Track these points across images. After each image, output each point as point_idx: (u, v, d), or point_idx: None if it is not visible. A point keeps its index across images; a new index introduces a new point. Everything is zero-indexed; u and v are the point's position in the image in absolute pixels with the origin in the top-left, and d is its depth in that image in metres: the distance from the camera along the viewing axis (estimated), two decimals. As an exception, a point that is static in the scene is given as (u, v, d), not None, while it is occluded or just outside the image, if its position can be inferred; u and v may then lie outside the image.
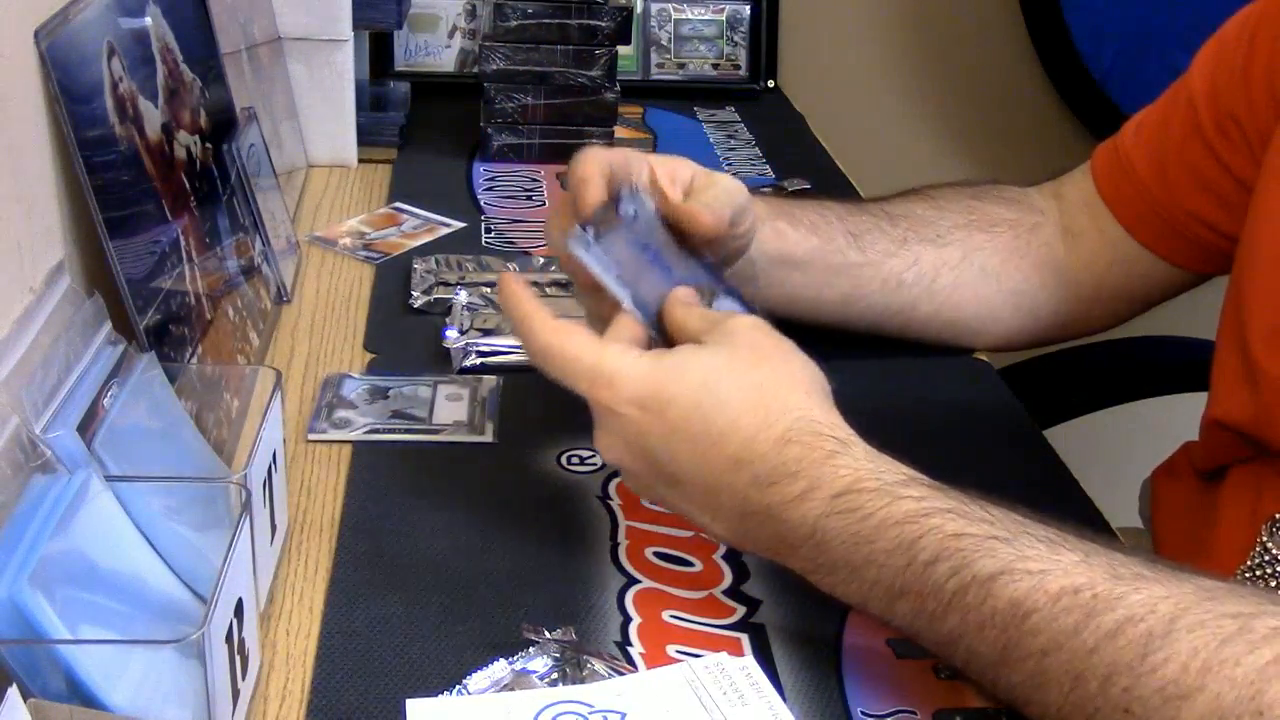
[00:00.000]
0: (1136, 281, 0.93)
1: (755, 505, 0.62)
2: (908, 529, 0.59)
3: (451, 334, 0.92)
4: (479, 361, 0.91)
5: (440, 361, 0.92)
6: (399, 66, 1.53)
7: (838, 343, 0.93)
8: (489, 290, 0.99)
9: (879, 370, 0.94)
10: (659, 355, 0.65)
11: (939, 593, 0.57)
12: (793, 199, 0.90)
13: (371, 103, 1.37)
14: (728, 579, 0.71)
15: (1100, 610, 0.54)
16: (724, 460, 0.62)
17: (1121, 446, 1.55)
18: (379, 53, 1.51)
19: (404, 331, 0.97)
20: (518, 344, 0.91)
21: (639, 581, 0.70)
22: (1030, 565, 0.56)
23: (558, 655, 0.62)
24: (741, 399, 0.63)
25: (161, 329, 0.73)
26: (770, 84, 1.63)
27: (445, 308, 0.97)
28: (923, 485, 0.61)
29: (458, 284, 1.00)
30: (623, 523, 0.76)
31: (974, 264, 0.92)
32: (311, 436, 0.82)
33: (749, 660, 0.62)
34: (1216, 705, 0.50)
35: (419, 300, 0.98)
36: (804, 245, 0.88)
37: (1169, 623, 0.53)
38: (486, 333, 0.93)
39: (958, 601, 0.57)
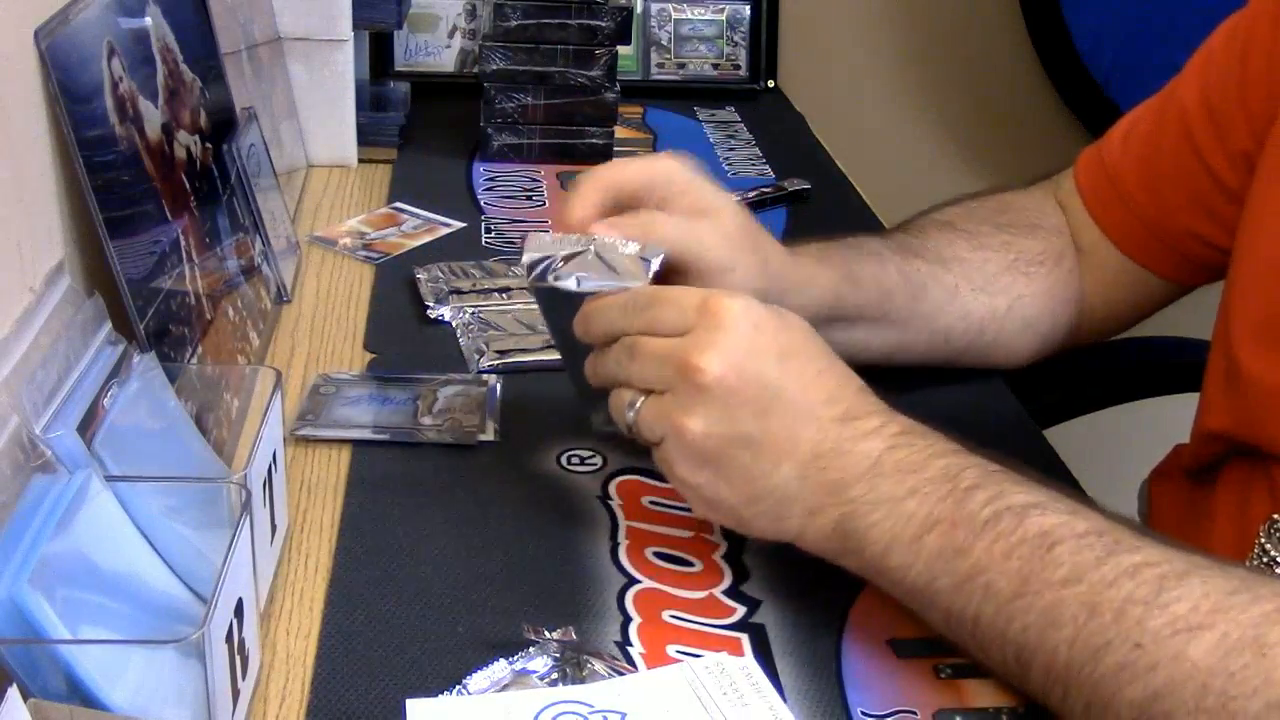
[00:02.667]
0: (1134, 294, 0.93)
1: (832, 441, 0.65)
2: (954, 460, 0.64)
3: (464, 339, 0.93)
4: (498, 363, 0.90)
5: (440, 361, 0.92)
6: (399, 66, 1.53)
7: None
8: (502, 297, 1.00)
9: (877, 370, 0.94)
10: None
11: (972, 521, 0.61)
12: (852, 250, 0.87)
13: (371, 103, 1.37)
14: (728, 579, 0.71)
15: (1122, 551, 0.58)
16: (824, 392, 0.66)
17: (1121, 447, 1.55)
18: (379, 53, 1.51)
19: (403, 331, 0.97)
20: (528, 347, 0.92)
21: (639, 581, 0.70)
22: (1061, 506, 0.61)
23: (558, 655, 0.62)
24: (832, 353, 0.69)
25: (161, 329, 0.73)
26: (770, 84, 1.63)
27: (465, 318, 0.97)
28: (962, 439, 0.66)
29: (471, 290, 1.00)
30: (623, 523, 0.76)
31: (1016, 316, 0.92)
32: (300, 432, 0.81)
33: (749, 660, 0.62)
34: (1222, 642, 0.54)
35: (437, 311, 0.98)
36: (864, 307, 0.87)
37: (1184, 570, 0.57)
38: (486, 323, 0.93)
39: (989, 529, 0.60)
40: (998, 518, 0.60)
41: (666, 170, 0.77)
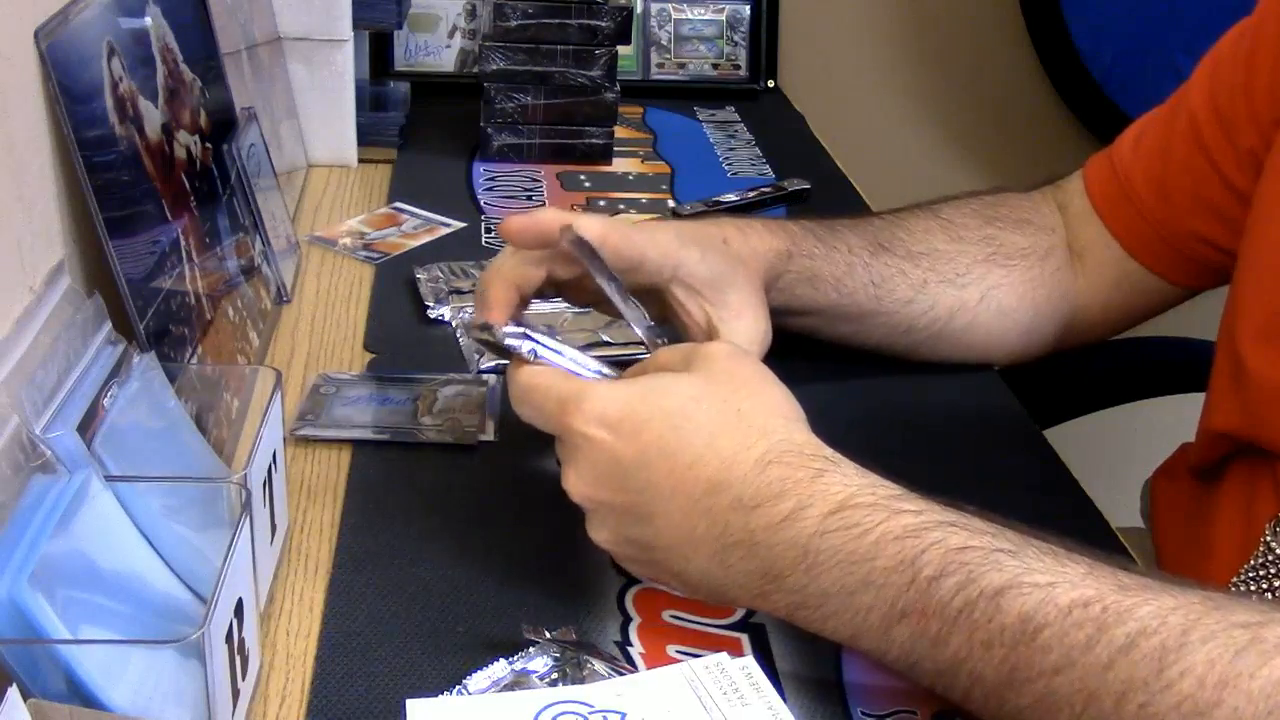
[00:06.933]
0: (1135, 298, 0.92)
1: (737, 532, 0.60)
2: (909, 544, 0.57)
3: (465, 340, 0.93)
4: (498, 363, 0.90)
5: (440, 361, 0.92)
6: (399, 66, 1.53)
7: (835, 345, 0.93)
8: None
9: (877, 372, 0.94)
10: (632, 380, 0.64)
11: (944, 610, 0.56)
12: (820, 247, 0.86)
13: (371, 103, 1.37)
14: (728, 579, 0.71)
15: (1112, 624, 0.53)
16: (702, 484, 0.60)
17: (1121, 447, 1.55)
18: (379, 53, 1.51)
19: (403, 331, 0.97)
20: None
21: (639, 581, 0.70)
22: (1038, 578, 0.55)
23: (558, 655, 0.62)
24: (719, 423, 0.61)
25: (161, 329, 0.73)
26: (770, 84, 1.63)
27: (465, 318, 0.97)
28: (919, 499, 0.59)
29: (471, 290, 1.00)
30: (623, 523, 0.75)
31: (990, 304, 0.91)
32: (300, 432, 0.81)
33: (749, 660, 0.62)
34: (1235, 718, 0.50)
35: (437, 311, 0.98)
36: (821, 303, 0.87)
37: (1182, 635, 0.52)
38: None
39: (964, 619, 0.55)
40: (970, 606, 0.55)
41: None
